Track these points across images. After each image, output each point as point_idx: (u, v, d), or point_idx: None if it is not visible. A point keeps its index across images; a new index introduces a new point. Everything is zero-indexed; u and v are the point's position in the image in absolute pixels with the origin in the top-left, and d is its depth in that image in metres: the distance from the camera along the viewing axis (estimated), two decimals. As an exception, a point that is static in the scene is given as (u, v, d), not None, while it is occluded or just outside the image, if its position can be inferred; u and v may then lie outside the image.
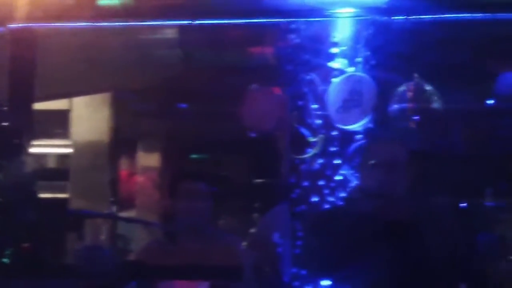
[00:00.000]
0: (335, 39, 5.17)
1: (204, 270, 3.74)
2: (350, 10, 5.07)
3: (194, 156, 7.67)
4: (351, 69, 5.15)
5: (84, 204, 6.73)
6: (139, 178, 7.63)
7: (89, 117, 7.05)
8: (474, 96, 5.59)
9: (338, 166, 5.17)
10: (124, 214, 7.35)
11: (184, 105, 6.90)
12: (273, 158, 5.39)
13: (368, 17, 5.08)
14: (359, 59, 5.14)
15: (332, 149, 5.19)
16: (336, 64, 5.17)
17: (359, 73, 5.10)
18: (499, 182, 5.54)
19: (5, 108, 5.19)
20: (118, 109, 7.01)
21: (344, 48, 5.16)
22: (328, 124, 5.17)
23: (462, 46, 5.32)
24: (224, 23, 5.27)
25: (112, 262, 3.64)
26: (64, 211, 4.68)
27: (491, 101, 5.49)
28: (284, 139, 5.27)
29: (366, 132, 5.06)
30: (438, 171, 5.20)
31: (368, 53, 5.14)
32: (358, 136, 5.08)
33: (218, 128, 6.68)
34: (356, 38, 5.15)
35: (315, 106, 5.24)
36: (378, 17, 5.05)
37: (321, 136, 5.19)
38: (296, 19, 5.19)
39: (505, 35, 5.17)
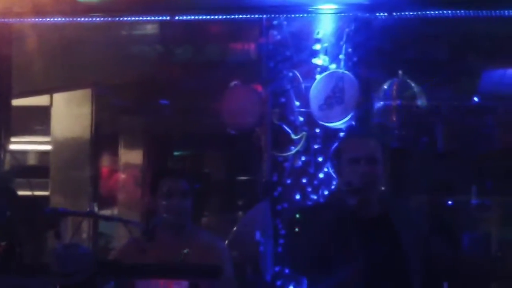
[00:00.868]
0: (318, 36, 5.14)
1: (184, 269, 3.69)
2: (333, 7, 5.04)
3: (175, 152, 7.63)
4: (333, 66, 5.13)
5: (64, 201, 6.68)
6: (120, 175, 7.58)
7: (69, 113, 6.98)
8: (457, 93, 5.58)
9: (321, 164, 5.14)
10: (105, 211, 7.30)
11: (165, 102, 6.86)
12: (255, 156, 5.36)
13: (350, 14, 5.05)
14: (341, 56, 5.12)
15: (315, 146, 5.16)
16: (318, 61, 5.14)
17: (342, 70, 5.07)
18: (483, 180, 5.54)
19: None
20: (99, 105, 6.95)
21: (326, 44, 5.14)
22: (311, 122, 5.15)
23: (444, 43, 5.30)
24: (205, 18, 5.23)
25: (90, 261, 3.57)
26: (43, 209, 4.59)
27: (474, 98, 5.49)
28: (266, 137, 5.24)
29: (349, 129, 5.04)
30: (421, 169, 5.19)
31: (351, 50, 5.11)
32: (341, 134, 5.05)
33: (200, 125, 6.65)
34: (338, 35, 5.12)
35: (297, 103, 5.21)
36: (360, 14, 5.02)
37: (303, 133, 5.17)
38: (278, 15, 5.15)
39: (487, 32, 5.16)
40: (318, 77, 5.11)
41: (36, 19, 5.22)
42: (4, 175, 5.08)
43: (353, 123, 5.04)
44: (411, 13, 4.93)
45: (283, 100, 5.23)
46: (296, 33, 5.20)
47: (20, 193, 4.84)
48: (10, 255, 4.01)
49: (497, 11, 4.81)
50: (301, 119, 5.19)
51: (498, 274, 4.72)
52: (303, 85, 5.18)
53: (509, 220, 5.24)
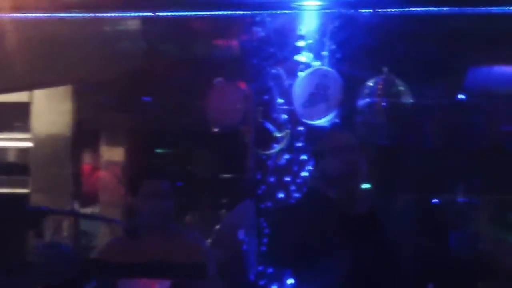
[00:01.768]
0: (301, 32, 5.12)
1: (166, 268, 3.66)
2: (316, 3, 5.01)
3: (158, 150, 7.58)
4: (317, 63, 5.10)
5: (45, 199, 6.60)
6: (102, 173, 7.51)
7: (50, 110, 6.91)
8: (443, 90, 5.57)
9: (304, 162, 5.13)
10: (87, 209, 7.23)
11: (148, 99, 6.81)
12: (239, 154, 5.33)
13: (334, 10, 5.03)
14: (325, 53, 5.09)
15: (298, 144, 5.15)
16: (302, 57, 5.12)
17: (325, 67, 5.05)
18: (471, 178, 5.53)
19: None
20: (80, 102, 6.89)
21: (310, 41, 5.11)
22: (294, 119, 5.12)
23: (429, 40, 5.28)
24: (188, 15, 5.19)
25: (73, 260, 3.53)
26: (24, 207, 4.55)
27: (460, 96, 5.48)
28: (249, 134, 5.21)
29: (333, 127, 5.01)
30: (408, 167, 5.18)
31: (334, 46, 5.09)
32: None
33: (183, 122, 6.60)
34: (322, 32, 5.10)
35: (280, 100, 5.20)
36: (344, 10, 4.99)
37: (287, 131, 5.15)
38: (262, 12, 5.12)
39: (472, 29, 5.14)
40: (301, 74, 5.09)
41: (16, 15, 5.16)
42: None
43: (337, 120, 5.02)
44: (395, 9, 4.92)
45: (266, 97, 5.21)
46: (279, 30, 5.17)
47: (0, 190, 4.79)
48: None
49: (483, 8, 4.81)
50: (285, 116, 5.17)
51: (486, 273, 4.72)
52: (286, 82, 5.15)
53: (498, 219, 5.23)
